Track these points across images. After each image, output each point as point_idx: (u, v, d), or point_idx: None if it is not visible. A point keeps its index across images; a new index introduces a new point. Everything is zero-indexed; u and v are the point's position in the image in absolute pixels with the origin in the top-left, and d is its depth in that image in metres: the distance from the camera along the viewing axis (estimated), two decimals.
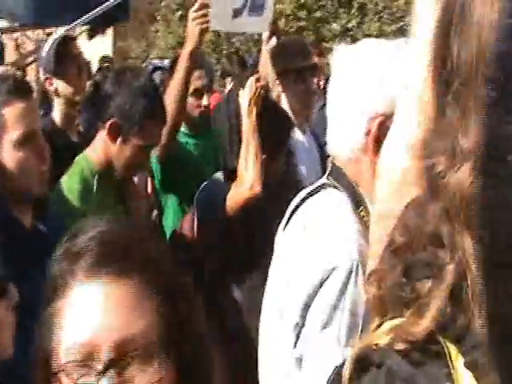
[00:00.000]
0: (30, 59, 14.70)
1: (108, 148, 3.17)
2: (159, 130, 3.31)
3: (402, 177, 1.30)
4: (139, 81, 3.20)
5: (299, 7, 20.06)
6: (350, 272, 2.03)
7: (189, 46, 3.92)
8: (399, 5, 20.03)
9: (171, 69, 4.40)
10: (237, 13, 4.03)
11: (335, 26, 20.30)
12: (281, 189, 3.50)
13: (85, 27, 10.69)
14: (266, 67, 4.41)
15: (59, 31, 4.19)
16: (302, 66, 4.39)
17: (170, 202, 4.18)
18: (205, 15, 3.79)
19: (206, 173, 4.08)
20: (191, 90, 4.20)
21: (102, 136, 3.20)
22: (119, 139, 3.14)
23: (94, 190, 3.09)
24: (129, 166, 3.23)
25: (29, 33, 19.51)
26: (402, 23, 20.66)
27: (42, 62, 3.98)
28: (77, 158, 3.23)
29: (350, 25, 20.26)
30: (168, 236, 3.83)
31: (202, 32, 3.88)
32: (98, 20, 10.23)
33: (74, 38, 4.13)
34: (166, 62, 7.51)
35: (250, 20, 4.11)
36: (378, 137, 2.06)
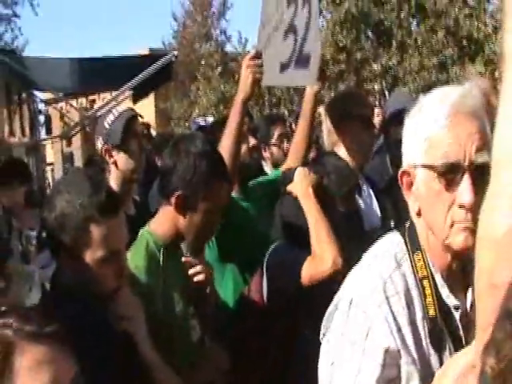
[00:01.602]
0: (76, 130, 14.95)
1: (176, 221, 3.04)
2: (226, 190, 3.19)
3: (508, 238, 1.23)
4: (196, 146, 3.10)
5: (339, 51, 20.13)
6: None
7: (241, 95, 3.79)
8: (438, 38, 20.02)
9: (213, 127, 4.26)
10: (284, 67, 3.94)
11: (376, 66, 20.28)
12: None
13: (129, 92, 10.82)
14: (307, 115, 4.37)
15: (119, 108, 4.17)
16: (364, 113, 4.30)
17: (229, 272, 4.03)
18: (259, 65, 3.72)
19: (264, 235, 3.95)
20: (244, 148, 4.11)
21: (167, 210, 3.08)
22: (188, 210, 3.04)
23: (161, 263, 2.98)
24: (201, 234, 3.11)
25: (72, 102, 19.94)
26: (441, 56, 20.67)
27: (103, 132, 3.97)
28: (141, 232, 3.11)
29: (390, 63, 20.26)
30: (233, 302, 3.71)
31: (256, 81, 3.79)
32: (142, 84, 10.35)
33: (138, 116, 4.14)
34: (210, 120, 7.47)
35: (297, 73, 4.05)
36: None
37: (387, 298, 1.94)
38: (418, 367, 1.91)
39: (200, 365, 2.96)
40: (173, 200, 2.99)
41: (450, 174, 1.86)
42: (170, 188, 3.02)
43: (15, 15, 34.23)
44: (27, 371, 1.56)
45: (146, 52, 16.92)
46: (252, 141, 4.84)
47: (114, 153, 3.91)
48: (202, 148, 3.07)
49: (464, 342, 1.93)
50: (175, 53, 10.59)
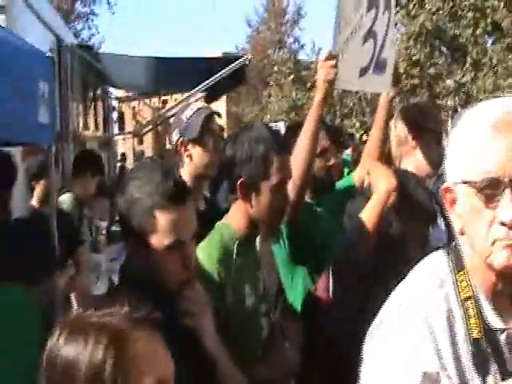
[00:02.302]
0: (148, 128, 15.14)
1: (246, 210, 3.06)
2: (287, 163, 3.18)
3: None
4: (253, 132, 3.13)
5: (412, 65, 19.97)
6: None
7: (318, 96, 3.79)
8: None
9: (288, 132, 4.26)
10: (363, 71, 3.95)
11: (449, 83, 20.08)
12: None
13: (201, 94, 10.92)
14: (381, 123, 4.34)
15: (198, 104, 4.23)
16: (437, 128, 4.27)
17: (299, 272, 4.04)
18: (333, 66, 3.71)
19: (334, 239, 3.95)
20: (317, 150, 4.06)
21: (237, 202, 3.13)
22: (253, 194, 3.07)
23: (234, 256, 3.01)
24: (272, 216, 3.11)
25: (146, 101, 20.14)
26: None
27: (180, 125, 4.03)
28: (217, 224, 3.16)
29: (463, 80, 20.02)
30: (299, 304, 3.73)
31: (329, 83, 3.79)
32: (216, 86, 10.45)
33: (216, 114, 4.18)
34: (281, 125, 7.52)
35: (373, 79, 4.05)
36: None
37: (428, 318, 1.87)
38: None
39: (269, 361, 2.97)
40: (238, 189, 3.03)
41: (489, 189, 1.80)
42: (233, 179, 3.06)
43: (93, 13, 34.96)
44: (142, 358, 1.61)
45: (219, 55, 16.98)
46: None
47: (190, 146, 3.95)
48: (257, 132, 3.09)
49: (510, 366, 1.86)
50: (249, 56, 10.66)
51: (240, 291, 2.94)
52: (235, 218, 3.10)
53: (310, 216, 4.04)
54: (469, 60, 19.56)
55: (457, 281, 1.94)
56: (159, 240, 2.48)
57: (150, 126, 13.45)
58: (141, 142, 38.45)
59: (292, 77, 28.46)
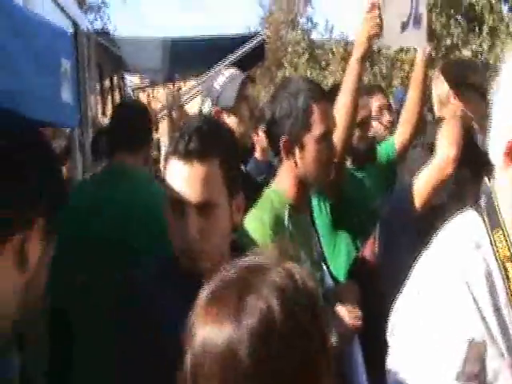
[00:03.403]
0: (163, 114, 15.09)
1: (294, 170, 2.94)
2: (330, 112, 3.05)
3: None
4: (289, 85, 3.01)
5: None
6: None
7: (357, 53, 3.61)
8: None
9: (331, 91, 3.99)
10: (404, 26, 3.83)
11: (466, 52, 19.85)
12: None
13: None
14: (419, 80, 4.19)
15: (230, 70, 4.03)
16: (482, 82, 4.09)
17: (342, 240, 3.93)
18: (377, 17, 3.57)
19: (377, 205, 3.85)
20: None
21: (283, 165, 3.02)
22: (297, 150, 2.95)
23: (286, 222, 2.91)
24: (320, 170, 2.99)
25: (159, 89, 20.09)
26: None
27: (212, 94, 3.84)
28: (266, 191, 3.04)
29: (480, 49, 19.79)
30: (344, 272, 3.64)
31: (373, 37, 3.61)
32: (235, 66, 10.28)
33: (251, 79, 4.01)
34: None
35: (413, 33, 3.91)
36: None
37: (467, 284, 1.75)
38: (505, 360, 1.72)
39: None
40: (282, 149, 2.93)
41: None
42: (276, 140, 2.95)
43: (104, 3, 35.02)
44: None
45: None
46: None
47: (225, 116, 3.79)
48: (294, 85, 2.97)
49: None
50: (267, 32, 10.56)
51: (295, 258, 2.82)
52: (283, 182, 2.99)
53: (351, 182, 3.94)
54: (485, 28, 19.33)
55: (493, 240, 1.82)
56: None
57: (165, 112, 13.40)
58: (156, 129, 38.36)
59: (307, 56, 28.29)
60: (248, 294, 1.37)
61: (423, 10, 3.99)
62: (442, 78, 3.98)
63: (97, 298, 3.38)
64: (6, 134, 1.51)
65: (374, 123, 4.96)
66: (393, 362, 1.90)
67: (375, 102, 5.11)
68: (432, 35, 4.22)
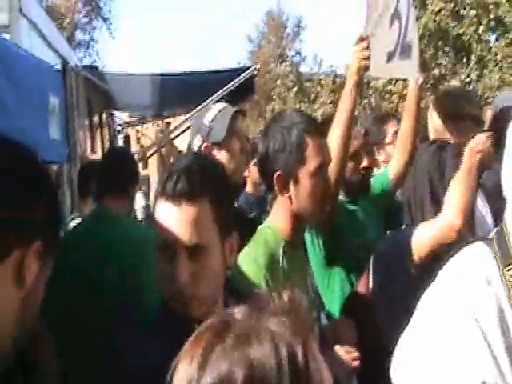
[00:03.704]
0: (152, 150, 15.09)
1: (288, 205, 2.88)
2: (324, 146, 3.00)
3: None
4: (283, 119, 2.96)
5: None
6: None
7: (349, 84, 3.60)
8: None
9: (323, 124, 4.00)
10: (390, 56, 3.80)
11: (454, 82, 19.97)
12: None
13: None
14: (412, 110, 4.16)
15: (218, 104, 3.95)
16: (477, 113, 4.07)
17: (336, 275, 3.87)
18: (365, 49, 3.55)
19: (371, 238, 3.80)
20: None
21: (277, 200, 2.96)
22: (292, 185, 2.90)
23: (281, 260, 2.84)
24: (315, 205, 2.93)
25: (148, 125, 20.10)
26: None
27: (202, 130, 3.75)
28: (260, 227, 2.97)
29: (468, 79, 19.92)
30: (338, 308, 3.58)
31: (362, 68, 3.57)
32: (224, 100, 10.31)
33: (242, 113, 3.92)
34: None
35: (401, 64, 3.89)
36: None
37: (477, 321, 1.68)
38: None
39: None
40: (275, 185, 2.88)
41: None
42: (269, 174, 2.90)
43: (93, 40, 35.31)
44: None
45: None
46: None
47: (215, 151, 3.69)
48: (288, 119, 2.92)
49: None
50: (257, 66, 10.55)
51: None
52: (277, 218, 2.92)
53: (345, 216, 3.89)
54: (473, 58, 19.47)
55: (504, 277, 1.75)
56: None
57: (155, 149, 13.39)
58: (146, 166, 38.34)
59: (295, 89, 28.39)
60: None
61: (413, 38, 3.97)
62: (435, 110, 3.97)
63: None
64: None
65: (390, 149, 4.99)
66: None
67: (391, 128, 5.14)
68: (424, 65, 4.20)
